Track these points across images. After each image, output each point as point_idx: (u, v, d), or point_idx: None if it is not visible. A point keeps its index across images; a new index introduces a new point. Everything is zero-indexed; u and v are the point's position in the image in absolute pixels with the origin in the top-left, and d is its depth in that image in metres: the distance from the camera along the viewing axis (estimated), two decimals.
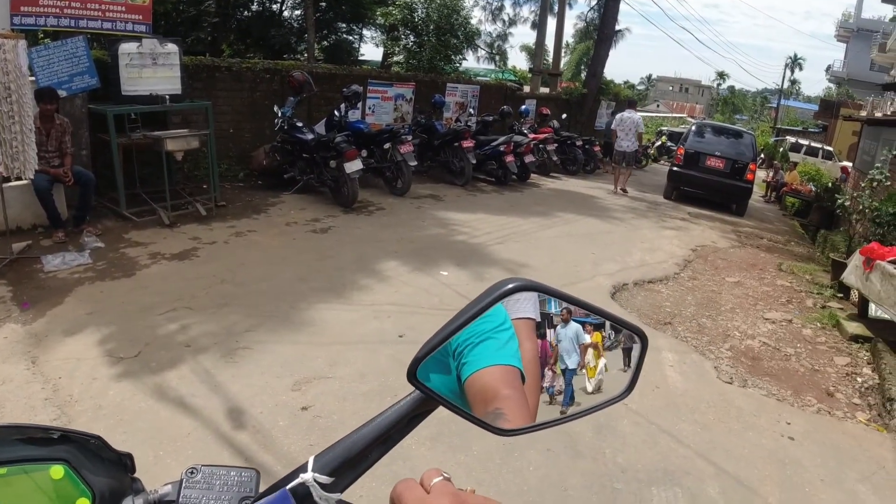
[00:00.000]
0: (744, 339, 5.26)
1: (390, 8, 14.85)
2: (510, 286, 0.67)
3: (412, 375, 0.63)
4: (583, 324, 0.80)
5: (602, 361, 0.83)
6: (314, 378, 3.78)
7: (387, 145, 8.71)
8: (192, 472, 0.69)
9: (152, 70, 7.01)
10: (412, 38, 14.64)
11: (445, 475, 0.56)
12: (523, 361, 0.71)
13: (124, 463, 0.76)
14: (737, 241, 9.38)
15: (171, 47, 7.21)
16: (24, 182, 5.63)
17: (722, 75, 73.52)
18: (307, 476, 0.63)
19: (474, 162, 10.40)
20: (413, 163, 9.00)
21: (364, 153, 8.31)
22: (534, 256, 6.80)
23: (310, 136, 7.96)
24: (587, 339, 0.81)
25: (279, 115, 8.06)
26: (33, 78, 6.00)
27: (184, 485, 0.68)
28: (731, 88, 75.73)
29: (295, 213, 7.42)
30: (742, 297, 6.41)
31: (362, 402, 3.57)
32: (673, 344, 4.94)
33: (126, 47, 6.84)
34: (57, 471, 0.68)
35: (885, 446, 3.82)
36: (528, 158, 11.35)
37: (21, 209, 5.95)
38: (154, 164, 7.11)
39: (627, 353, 0.83)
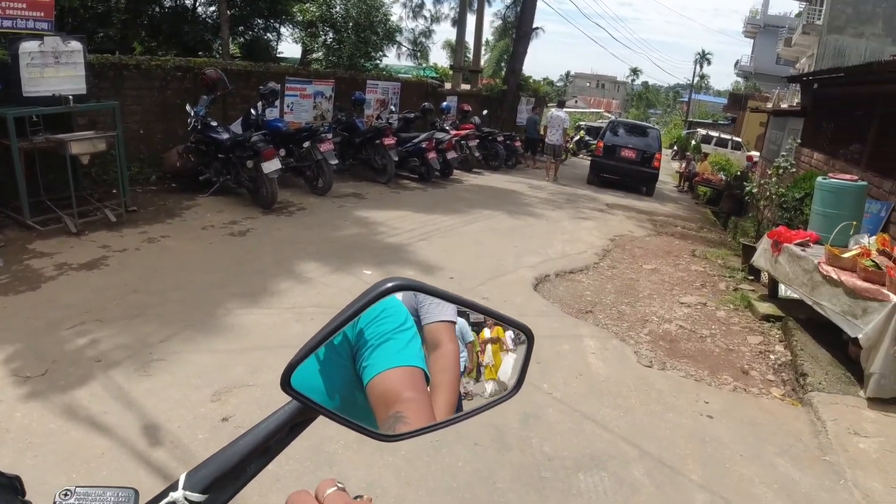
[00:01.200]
0: (661, 323, 5.47)
1: (308, 4, 14.58)
2: (388, 286, 0.65)
3: (286, 383, 0.61)
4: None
5: (509, 357, 0.81)
6: (234, 387, 3.68)
7: (306, 144, 8.56)
8: (65, 495, 0.64)
9: (55, 69, 6.63)
10: (331, 34, 14.45)
11: (340, 485, 0.55)
12: (447, 362, 0.71)
13: (14, 486, 0.71)
14: (652, 230, 9.74)
15: (75, 45, 6.84)
16: None
17: (636, 71, 76.15)
18: (177, 495, 0.59)
19: (396, 159, 10.37)
20: (334, 161, 8.89)
21: (283, 152, 8.14)
22: (457, 252, 6.85)
23: (225, 136, 7.74)
24: (470, 337, 0.81)
25: (192, 114, 7.79)
26: None
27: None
28: (645, 84, 78.61)
29: (211, 216, 7.19)
30: (659, 283, 6.66)
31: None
32: (594, 331, 5.08)
33: (27, 46, 6.44)
34: None
35: (801, 419, 4.04)
36: (451, 155, 11.43)
37: None
38: (59, 169, 6.73)
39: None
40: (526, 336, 0.78)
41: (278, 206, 7.78)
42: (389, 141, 10.13)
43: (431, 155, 10.79)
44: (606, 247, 8.03)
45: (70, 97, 6.50)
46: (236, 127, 8.50)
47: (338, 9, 14.08)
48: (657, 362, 4.67)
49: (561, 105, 15.11)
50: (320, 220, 7.59)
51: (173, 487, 0.61)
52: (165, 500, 0.60)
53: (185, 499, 0.60)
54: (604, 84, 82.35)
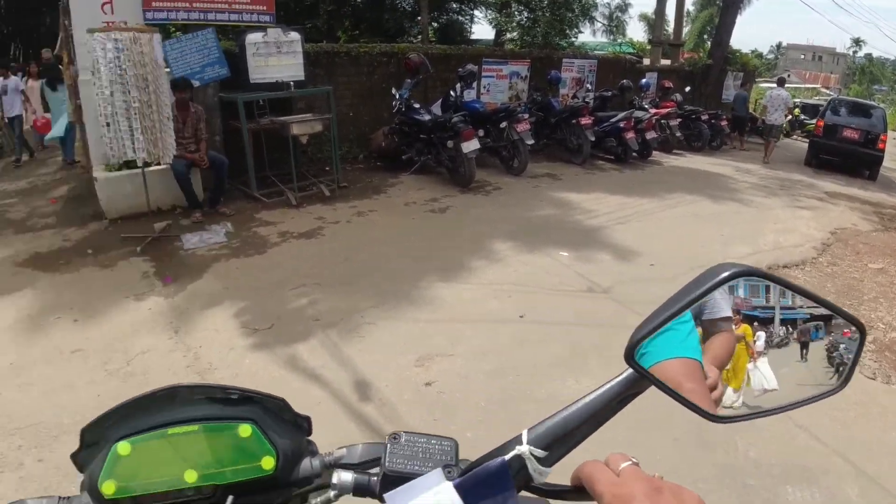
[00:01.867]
0: (889, 331, 4.74)
1: None
2: (730, 272, 0.63)
3: (630, 357, 0.62)
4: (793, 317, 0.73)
5: (760, 363, 0.73)
6: (436, 355, 3.77)
7: (503, 124, 8.58)
8: (394, 438, 0.71)
9: (277, 58, 7.26)
10: (525, 14, 14.35)
11: (634, 460, 0.56)
12: (723, 354, 0.68)
13: (301, 425, 0.79)
14: (880, 224, 8.50)
15: (294, 35, 7.43)
16: (164, 167, 6.02)
17: (858, 42, 67.24)
18: (523, 449, 0.63)
19: (593, 139, 10.05)
20: (529, 141, 8.82)
21: (480, 133, 8.23)
22: (657, 237, 6.47)
23: (427, 118, 7.99)
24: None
25: (396, 97, 8.14)
26: (168, 69, 6.37)
27: (389, 449, 0.70)
28: (869, 56, 69.14)
29: (413, 193, 7.48)
30: (887, 286, 5.79)
31: (484, 380, 3.53)
32: None
33: (252, 37, 7.12)
34: (245, 429, 0.72)
35: None
36: (650, 135, 10.84)
37: (162, 192, 6.36)
38: (281, 149, 7.39)
39: (805, 346, 0.74)
40: (858, 331, 0.72)
41: (475, 185, 7.89)
42: (586, 121, 9.84)
43: (629, 135, 10.32)
44: (826, 240, 7.13)
45: (291, 83, 7.07)
46: (436, 108, 8.74)
47: None
48: (882, 375, 4.04)
49: (781, 83, 13.78)
50: (515, 200, 7.58)
51: (518, 441, 0.64)
52: (512, 452, 0.63)
53: (531, 453, 0.63)
54: (820, 56, 73.77)
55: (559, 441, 0.64)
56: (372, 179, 7.96)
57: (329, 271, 4.94)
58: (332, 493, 0.72)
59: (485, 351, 3.86)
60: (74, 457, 0.74)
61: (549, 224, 6.69)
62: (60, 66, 10.33)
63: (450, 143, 7.60)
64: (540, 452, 0.63)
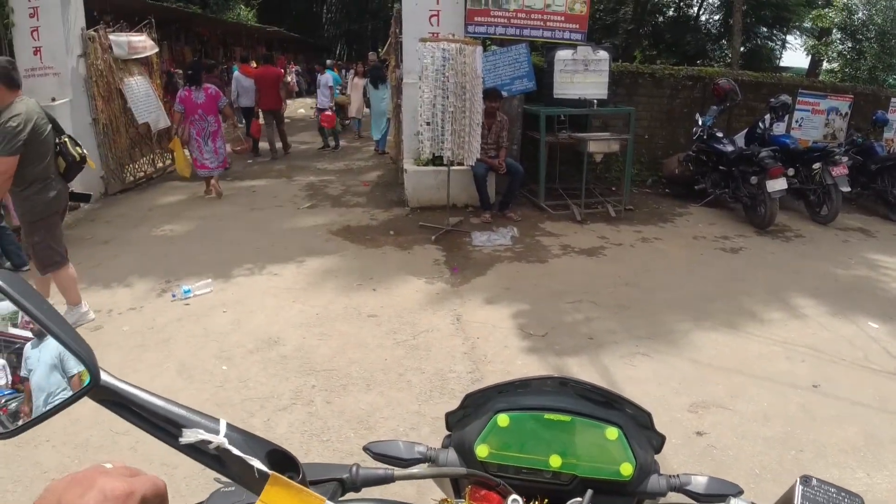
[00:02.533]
0: None
1: (825, 10, 13.12)
2: None
3: None
4: None
5: None
6: (712, 404, 3.50)
7: (816, 165, 7.69)
8: (806, 480, 0.70)
9: (583, 76, 7.38)
10: (849, 44, 12.73)
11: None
12: None
13: (654, 444, 0.82)
14: None
15: (602, 54, 7.48)
16: (464, 168, 6.47)
17: None
18: None
19: None
20: (845, 188, 7.77)
21: (789, 171, 7.48)
22: None
23: (729, 148, 7.48)
24: None
25: (699, 123, 7.74)
26: (481, 79, 6.82)
27: (801, 492, 0.69)
28: None
29: (703, 226, 7.06)
30: None
31: (762, 446, 3.18)
32: None
33: (562, 54, 7.32)
34: (612, 432, 0.76)
35: None
36: None
37: (458, 190, 6.85)
38: (571, 163, 7.52)
39: None
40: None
41: (774, 227, 7.19)
42: None
43: None
44: None
45: (594, 101, 7.13)
46: (740, 139, 8.15)
47: (859, 14, 12.29)
48: None
49: None
50: (820, 252, 6.74)
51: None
52: None
53: None
54: None
55: None
56: (659, 206, 7.70)
57: (607, 292, 4.88)
58: None
59: (767, 414, 3.48)
60: (449, 415, 0.83)
61: (859, 287, 5.82)
62: (384, 68, 11.79)
63: (753, 179, 7.02)
64: None
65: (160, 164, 9.89)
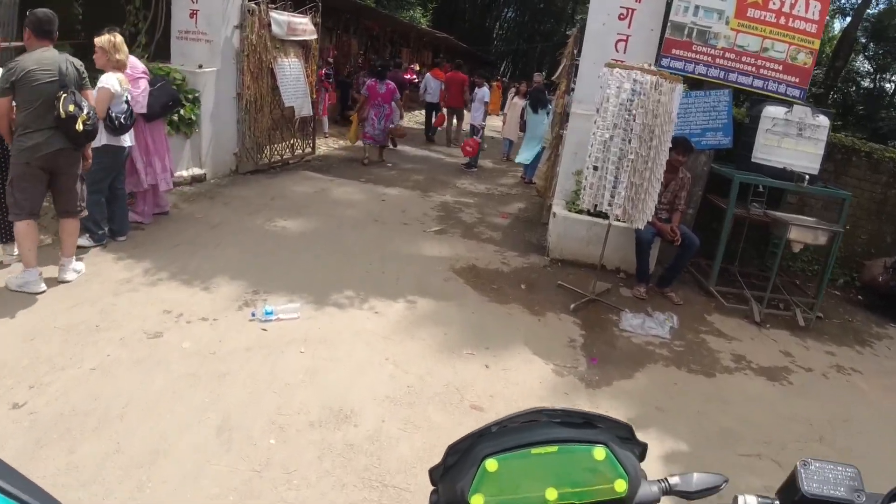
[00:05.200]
0: None
1: None
2: None
3: None
4: None
5: None
6: None
7: None
8: (805, 464, 0.76)
9: (794, 141, 5.97)
10: None
11: None
12: None
13: (637, 452, 0.81)
14: None
15: (822, 119, 6.03)
16: (625, 225, 5.29)
17: None
18: None
19: None
20: None
21: None
22: None
23: None
24: None
25: None
26: (674, 124, 5.62)
27: (804, 475, 0.75)
28: None
29: None
30: None
31: None
32: None
33: (772, 111, 5.96)
34: (599, 452, 0.76)
35: None
36: None
37: (612, 249, 5.67)
38: (755, 242, 6.13)
39: None
40: None
41: None
42: None
43: None
44: None
45: (805, 175, 5.70)
46: None
47: None
48: None
49: None
50: None
51: None
52: None
53: None
54: None
55: None
56: (852, 319, 6.10)
57: (794, 447, 3.48)
58: None
59: None
60: (433, 470, 0.80)
61: None
62: (548, 91, 10.79)
63: None
64: None
65: (299, 151, 9.46)
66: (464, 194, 8.78)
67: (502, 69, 42.84)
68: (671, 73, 5.07)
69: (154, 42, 7.42)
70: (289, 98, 8.38)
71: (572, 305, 4.85)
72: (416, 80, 17.59)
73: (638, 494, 0.78)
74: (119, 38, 4.81)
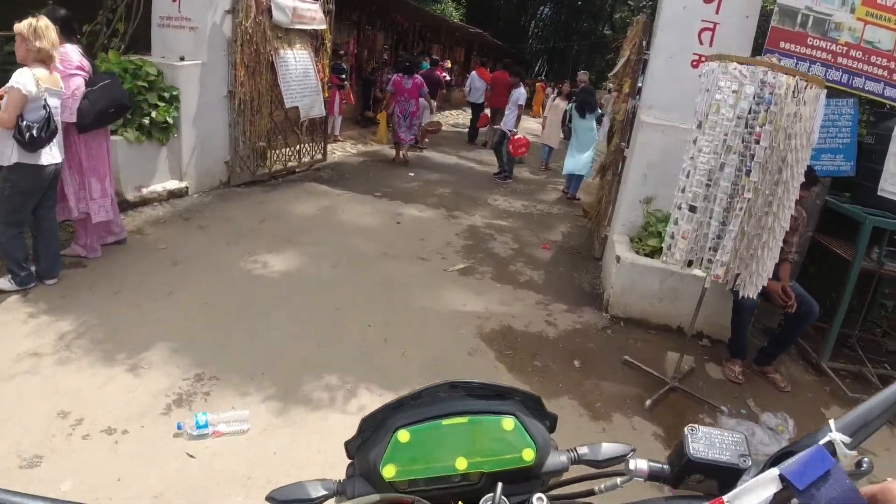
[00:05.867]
0: None
1: None
2: None
3: None
4: None
5: None
6: None
7: None
8: (693, 430, 0.76)
9: None
10: None
11: None
12: None
13: (547, 423, 0.83)
14: None
15: None
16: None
17: None
18: (835, 436, 0.65)
19: None
20: None
21: None
22: None
23: None
24: None
25: None
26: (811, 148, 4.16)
27: (690, 439, 0.74)
28: None
29: None
30: None
31: None
32: None
33: None
34: (508, 423, 0.78)
35: None
36: None
37: (690, 306, 4.24)
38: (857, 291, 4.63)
39: None
40: None
41: None
42: None
43: None
44: None
45: None
46: None
47: None
48: None
49: None
50: None
51: (827, 429, 0.67)
52: (825, 438, 0.65)
53: (840, 440, 0.65)
54: None
55: (861, 428, 0.66)
56: None
57: None
58: (619, 480, 0.79)
59: None
60: (349, 443, 0.82)
61: None
62: (594, 93, 9.31)
63: None
64: (846, 438, 0.65)
65: (307, 159, 8.16)
66: (497, 214, 7.39)
67: (537, 68, 41.54)
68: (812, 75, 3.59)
69: (129, 30, 6.15)
70: (292, 97, 7.09)
71: (648, 402, 3.42)
72: (449, 79, 16.39)
73: (546, 463, 0.80)
74: (44, 23, 3.62)
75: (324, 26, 7.50)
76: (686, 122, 4.62)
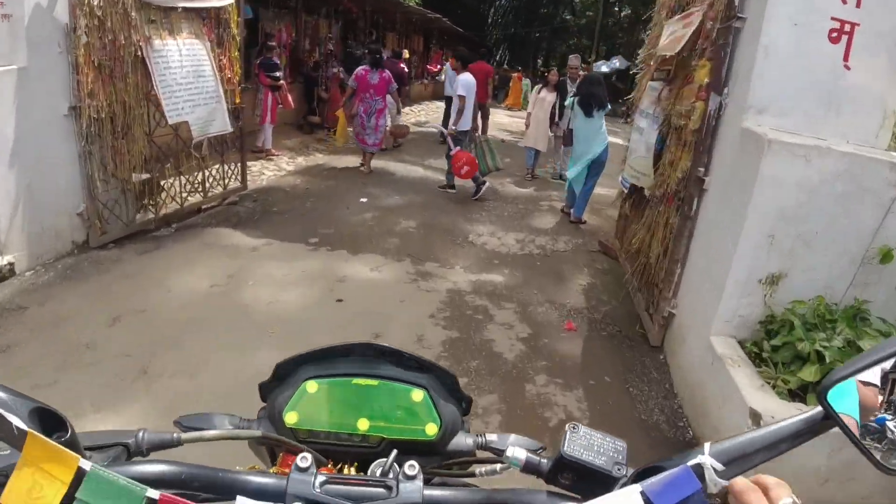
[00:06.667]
0: None
1: None
2: None
3: (822, 397, 0.59)
4: None
5: None
6: None
7: None
8: (574, 428, 0.71)
9: None
10: None
11: (796, 499, 0.53)
12: None
13: (462, 404, 0.85)
14: None
15: None
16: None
17: None
18: (706, 460, 0.59)
19: None
20: None
21: None
22: None
23: None
24: None
25: None
26: None
27: (568, 437, 0.69)
28: None
29: None
30: None
31: None
32: None
33: None
34: (418, 394, 0.80)
35: None
36: None
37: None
38: None
39: None
40: None
41: None
42: None
43: None
44: None
45: None
46: None
47: None
48: None
49: None
50: None
51: (700, 451, 0.61)
52: (695, 460, 0.60)
53: (711, 465, 0.59)
54: None
55: (738, 459, 0.61)
56: None
57: None
58: (498, 466, 0.75)
59: None
60: (262, 386, 0.82)
61: None
62: (603, 84, 7.13)
63: None
64: (719, 465, 0.60)
65: (217, 191, 5.91)
66: (485, 262, 5.23)
67: (498, 56, 40.19)
68: None
69: None
70: (177, 108, 4.84)
71: None
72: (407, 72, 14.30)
73: (452, 442, 0.81)
74: None
75: (227, 2, 5.23)
76: (826, 135, 2.75)
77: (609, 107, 6.67)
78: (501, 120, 15.51)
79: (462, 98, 7.37)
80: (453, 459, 0.81)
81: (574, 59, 9.02)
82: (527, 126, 9.04)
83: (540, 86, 9.13)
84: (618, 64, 20.50)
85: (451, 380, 0.83)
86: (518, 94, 17.95)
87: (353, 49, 12.97)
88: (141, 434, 0.71)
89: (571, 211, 6.95)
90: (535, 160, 9.21)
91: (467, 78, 7.51)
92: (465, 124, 7.53)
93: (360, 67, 8.09)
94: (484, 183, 7.48)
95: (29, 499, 0.51)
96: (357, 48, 12.67)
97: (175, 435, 0.72)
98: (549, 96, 8.73)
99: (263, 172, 7.53)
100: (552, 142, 9.25)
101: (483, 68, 10.65)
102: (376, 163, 8.49)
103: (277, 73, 8.50)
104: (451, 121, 7.64)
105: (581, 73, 8.51)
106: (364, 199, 6.77)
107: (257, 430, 0.75)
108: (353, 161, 8.56)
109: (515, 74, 20.22)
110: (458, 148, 7.27)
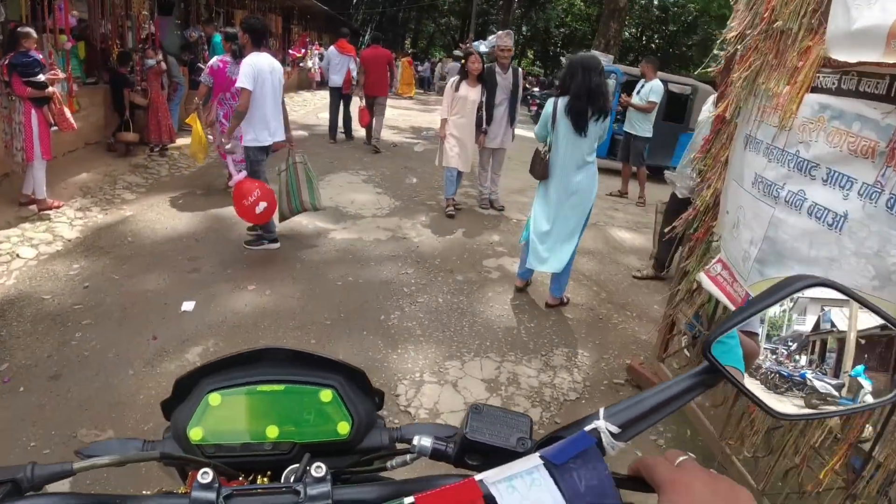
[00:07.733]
0: None
1: None
2: (805, 282, 0.63)
3: (707, 350, 0.62)
4: None
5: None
6: None
7: None
8: (476, 409, 0.71)
9: None
10: None
11: (690, 455, 0.57)
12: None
13: (375, 399, 0.80)
14: None
15: None
16: None
17: None
18: (600, 423, 0.62)
19: None
20: None
21: None
22: None
23: None
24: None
25: None
26: None
27: (470, 418, 0.69)
28: None
29: None
30: None
31: None
32: None
33: None
34: (326, 394, 0.74)
35: None
36: None
37: None
38: None
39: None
40: None
41: None
42: None
43: None
44: None
45: None
46: None
47: None
48: None
49: None
50: None
51: (595, 417, 0.63)
52: (591, 425, 0.62)
53: (606, 428, 0.62)
54: None
55: (633, 421, 0.63)
56: None
57: None
58: (408, 457, 0.74)
59: None
60: (164, 404, 0.76)
61: None
62: (602, 73, 4.32)
63: None
64: (614, 428, 0.62)
65: None
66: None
67: (367, 38, 37.95)
68: None
69: None
70: None
71: None
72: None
73: (367, 438, 0.78)
74: None
75: None
76: None
77: (613, 114, 4.02)
78: (393, 114, 12.89)
79: (245, 93, 4.54)
80: (369, 455, 0.77)
81: (506, 38, 6.31)
82: (442, 138, 6.27)
83: (456, 79, 6.33)
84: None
85: (359, 375, 0.78)
86: (410, 80, 16.06)
87: (187, 37, 9.71)
88: (29, 468, 0.65)
89: (550, 292, 4.28)
90: (458, 183, 6.47)
91: (255, 62, 4.62)
92: (263, 136, 4.75)
93: (215, 59, 6.17)
94: (275, 240, 4.89)
95: None
96: (230, 34, 9.37)
97: (67, 465, 0.65)
98: (471, 93, 6.09)
99: (16, 254, 4.30)
100: (478, 156, 6.61)
101: (379, 53, 9.84)
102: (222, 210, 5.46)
103: (41, 77, 5.19)
104: (228, 128, 4.94)
105: (478, 58, 6.11)
106: (188, 307, 3.75)
107: (158, 450, 0.69)
108: (183, 203, 5.50)
109: (405, 59, 17.90)
110: (243, 174, 4.69)
